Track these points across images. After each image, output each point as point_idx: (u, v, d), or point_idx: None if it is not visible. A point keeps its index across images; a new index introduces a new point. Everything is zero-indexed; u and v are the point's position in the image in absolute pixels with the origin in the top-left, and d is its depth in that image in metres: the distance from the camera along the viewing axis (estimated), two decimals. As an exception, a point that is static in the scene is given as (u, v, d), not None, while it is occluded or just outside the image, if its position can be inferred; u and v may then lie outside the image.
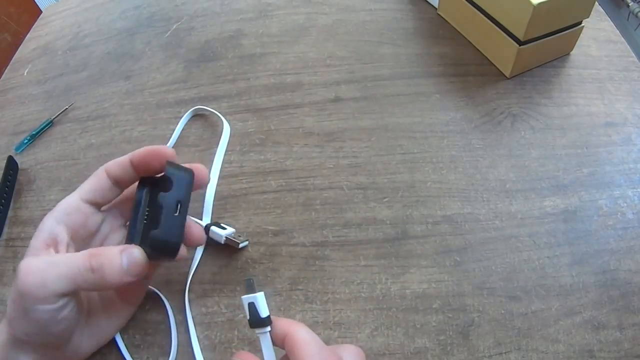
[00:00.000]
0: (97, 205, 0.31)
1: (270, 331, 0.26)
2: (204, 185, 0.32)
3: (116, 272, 0.26)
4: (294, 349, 0.24)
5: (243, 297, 0.26)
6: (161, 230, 0.27)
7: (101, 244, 0.32)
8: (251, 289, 0.26)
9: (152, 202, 0.31)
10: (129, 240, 0.30)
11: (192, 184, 0.30)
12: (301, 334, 0.25)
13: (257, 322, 0.26)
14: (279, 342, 0.26)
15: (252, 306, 0.26)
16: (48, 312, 0.25)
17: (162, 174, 0.30)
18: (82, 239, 0.30)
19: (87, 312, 0.31)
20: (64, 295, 0.26)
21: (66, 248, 0.28)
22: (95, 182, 0.30)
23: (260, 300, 0.26)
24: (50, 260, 0.26)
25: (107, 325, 0.32)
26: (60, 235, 0.28)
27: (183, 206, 0.29)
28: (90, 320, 0.31)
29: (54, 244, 0.28)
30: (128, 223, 0.32)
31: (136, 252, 0.27)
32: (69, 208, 0.29)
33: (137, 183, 0.31)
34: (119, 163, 0.31)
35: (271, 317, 0.26)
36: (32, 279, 0.25)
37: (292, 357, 0.24)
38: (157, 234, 0.27)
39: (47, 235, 0.28)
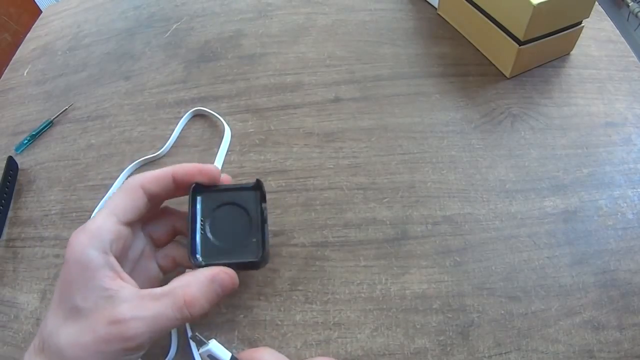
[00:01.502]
0: (132, 224, 0.29)
1: None
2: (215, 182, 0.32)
3: (211, 300, 0.27)
4: None
5: (200, 352, 0.26)
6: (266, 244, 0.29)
7: (133, 256, 0.30)
8: (201, 342, 0.26)
9: (207, 212, 0.31)
10: (192, 252, 0.29)
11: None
12: (265, 357, 0.25)
13: None
14: None
15: (212, 357, 0.26)
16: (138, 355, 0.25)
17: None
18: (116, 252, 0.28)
19: None
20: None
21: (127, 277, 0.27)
22: (132, 201, 0.28)
23: (215, 348, 0.26)
24: (147, 316, 0.25)
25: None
26: (116, 266, 0.26)
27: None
28: None
29: (117, 277, 0.26)
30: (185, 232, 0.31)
31: (226, 275, 0.27)
32: (110, 235, 0.26)
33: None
34: (158, 179, 0.29)
35: (235, 351, 0.26)
36: (140, 331, 0.24)
37: None
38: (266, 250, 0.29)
39: (110, 272, 0.25)
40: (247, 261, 0.29)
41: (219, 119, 0.46)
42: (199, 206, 0.30)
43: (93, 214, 0.41)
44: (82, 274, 0.25)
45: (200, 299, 0.26)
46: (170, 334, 0.34)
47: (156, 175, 0.29)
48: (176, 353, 0.33)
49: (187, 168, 0.29)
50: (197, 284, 0.26)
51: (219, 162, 0.43)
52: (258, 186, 0.31)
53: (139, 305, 0.25)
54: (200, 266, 0.28)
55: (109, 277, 0.25)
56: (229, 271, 0.28)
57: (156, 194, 0.29)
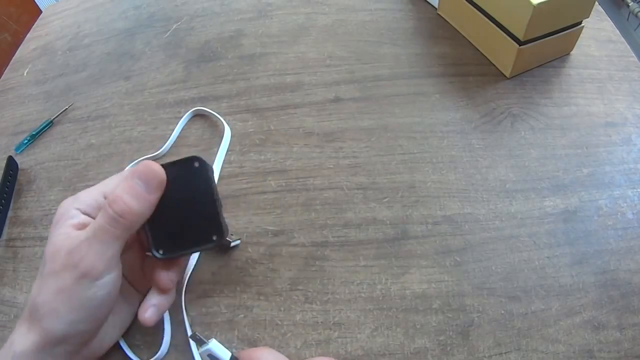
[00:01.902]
0: None
1: None
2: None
3: (141, 199, 0.27)
4: None
5: (200, 351, 0.26)
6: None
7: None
8: (201, 342, 0.26)
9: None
10: (150, 247, 0.30)
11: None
12: (264, 356, 0.25)
13: None
14: None
15: (212, 357, 0.26)
16: (104, 287, 0.26)
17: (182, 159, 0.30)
18: None
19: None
20: (118, 257, 0.27)
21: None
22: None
23: (215, 347, 0.26)
24: (87, 236, 0.26)
25: (126, 315, 0.33)
26: (87, 222, 0.28)
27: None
28: (114, 310, 0.31)
29: (82, 228, 0.28)
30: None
31: (144, 167, 0.27)
32: (92, 201, 0.29)
33: None
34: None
35: (234, 351, 0.26)
36: (88, 253, 0.26)
37: None
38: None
39: (77, 221, 0.28)
40: (207, 246, 0.29)
41: (219, 118, 0.46)
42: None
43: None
44: (56, 226, 0.28)
45: (122, 196, 0.27)
46: (163, 333, 0.34)
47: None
48: (167, 351, 0.33)
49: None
50: (119, 185, 0.27)
51: (218, 162, 0.43)
52: (194, 159, 0.30)
53: (81, 233, 0.27)
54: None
55: (72, 225, 0.27)
56: (148, 163, 0.28)
57: None
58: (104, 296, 0.27)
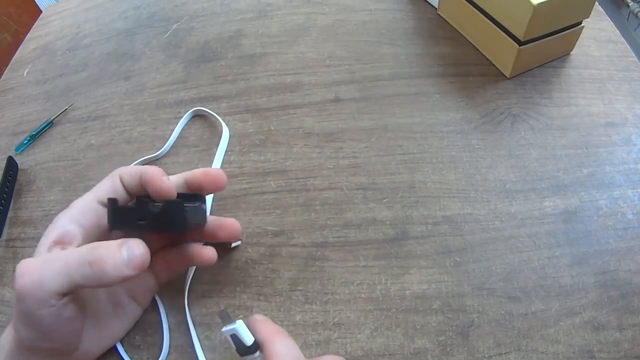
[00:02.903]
0: None
1: (259, 356, 0.25)
2: (218, 190, 0.33)
3: (117, 265, 0.25)
4: None
5: (223, 329, 0.26)
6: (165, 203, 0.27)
7: None
8: (228, 320, 0.26)
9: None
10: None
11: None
12: (277, 348, 0.25)
13: (244, 350, 0.25)
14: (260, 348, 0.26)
15: (235, 337, 0.25)
16: (48, 315, 0.24)
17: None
18: (96, 240, 0.28)
19: (95, 313, 0.30)
20: (62, 294, 0.24)
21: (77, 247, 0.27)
22: (111, 187, 0.30)
23: (241, 329, 0.25)
24: (47, 258, 0.25)
25: (116, 327, 0.32)
26: (72, 233, 0.27)
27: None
28: (100, 323, 0.30)
29: (61, 243, 0.27)
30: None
31: (136, 243, 0.26)
32: (84, 208, 0.29)
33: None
34: (131, 173, 0.30)
35: (255, 319, 0.26)
36: (28, 279, 0.24)
37: None
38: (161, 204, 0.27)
39: (58, 233, 0.27)
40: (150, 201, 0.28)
41: (218, 119, 0.46)
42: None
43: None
44: (44, 236, 0.27)
45: (106, 247, 0.25)
46: (169, 334, 0.34)
47: (133, 169, 0.30)
48: (167, 353, 0.33)
49: (198, 174, 0.31)
50: (106, 242, 0.26)
51: (217, 163, 0.43)
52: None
53: (47, 255, 0.26)
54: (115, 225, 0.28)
55: (53, 238, 0.27)
56: (140, 241, 0.26)
57: (131, 188, 0.30)
58: (53, 322, 0.25)
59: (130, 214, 0.27)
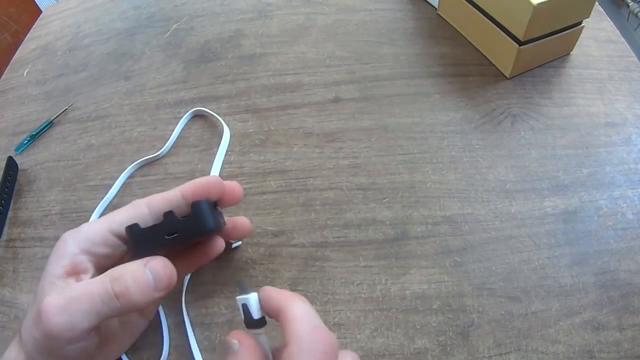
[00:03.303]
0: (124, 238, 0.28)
1: (262, 333, 0.25)
2: (236, 202, 0.32)
3: (144, 291, 0.24)
4: (286, 326, 0.23)
5: (237, 297, 0.26)
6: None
7: None
8: (244, 290, 0.26)
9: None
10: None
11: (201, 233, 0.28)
12: (294, 311, 0.23)
13: (251, 323, 0.25)
14: (274, 315, 0.24)
15: (245, 307, 0.25)
16: (76, 348, 0.24)
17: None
18: (106, 269, 0.27)
19: (105, 332, 0.29)
20: (92, 329, 0.24)
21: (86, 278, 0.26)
22: (131, 215, 0.28)
23: (253, 301, 0.25)
24: (71, 296, 0.24)
25: (123, 341, 0.31)
26: (83, 265, 0.26)
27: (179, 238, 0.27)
28: (108, 340, 0.29)
29: (75, 273, 0.26)
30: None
31: (161, 264, 0.25)
32: (96, 237, 0.27)
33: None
34: (167, 199, 0.28)
35: (266, 288, 0.25)
36: (57, 319, 0.23)
37: (284, 334, 0.23)
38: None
39: (69, 263, 0.26)
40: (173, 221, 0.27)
41: (218, 119, 0.46)
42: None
43: (92, 215, 0.41)
44: (51, 261, 0.26)
45: (127, 280, 0.24)
46: (169, 335, 0.34)
47: (165, 196, 0.28)
48: (168, 353, 0.33)
49: (191, 186, 0.29)
50: (127, 266, 0.25)
51: (218, 163, 0.43)
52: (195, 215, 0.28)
53: (68, 289, 0.25)
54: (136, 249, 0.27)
55: (65, 268, 0.26)
56: (163, 259, 0.26)
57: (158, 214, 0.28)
58: (72, 355, 0.25)
59: (156, 232, 0.27)
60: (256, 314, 0.25)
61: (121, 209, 0.29)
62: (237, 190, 0.32)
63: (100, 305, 0.24)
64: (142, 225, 0.27)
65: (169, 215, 0.27)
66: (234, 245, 0.37)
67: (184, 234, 0.27)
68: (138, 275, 0.25)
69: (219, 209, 0.31)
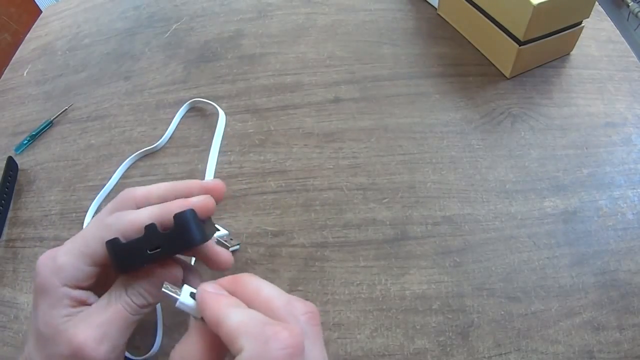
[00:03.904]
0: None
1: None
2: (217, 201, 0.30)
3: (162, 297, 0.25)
4: (227, 342, 0.20)
5: (166, 291, 0.24)
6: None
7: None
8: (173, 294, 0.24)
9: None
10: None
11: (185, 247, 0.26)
12: (230, 322, 0.20)
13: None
14: (213, 329, 0.21)
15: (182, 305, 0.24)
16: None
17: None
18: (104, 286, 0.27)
19: None
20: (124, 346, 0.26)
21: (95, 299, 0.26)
22: (99, 231, 0.26)
23: (189, 302, 0.24)
24: (101, 323, 0.25)
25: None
26: (83, 296, 0.26)
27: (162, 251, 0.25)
28: None
29: (80, 303, 0.26)
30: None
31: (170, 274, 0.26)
32: (78, 274, 0.26)
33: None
34: (133, 224, 0.26)
35: (202, 287, 0.23)
36: (101, 349, 0.24)
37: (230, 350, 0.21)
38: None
39: (69, 301, 0.25)
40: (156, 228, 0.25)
41: (214, 106, 0.46)
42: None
43: (88, 211, 0.41)
44: (45, 301, 0.25)
45: (144, 294, 0.26)
46: (156, 327, 0.34)
47: (131, 220, 0.26)
48: (159, 347, 0.33)
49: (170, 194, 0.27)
50: (139, 282, 0.26)
51: (214, 151, 0.43)
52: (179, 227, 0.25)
53: (92, 322, 0.25)
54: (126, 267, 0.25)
55: (69, 305, 0.25)
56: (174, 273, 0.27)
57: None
58: None
59: (138, 247, 0.25)
60: (192, 311, 0.23)
61: (89, 228, 0.27)
62: (218, 190, 0.29)
63: (131, 317, 0.25)
64: (123, 240, 0.25)
65: (150, 227, 0.25)
66: (231, 249, 0.37)
67: (167, 248, 0.25)
68: (151, 288, 0.26)
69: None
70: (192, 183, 0.29)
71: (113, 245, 0.25)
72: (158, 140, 0.45)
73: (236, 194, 0.41)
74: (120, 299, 0.26)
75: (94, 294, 0.27)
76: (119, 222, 0.26)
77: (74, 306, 0.26)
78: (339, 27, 0.54)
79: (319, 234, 0.37)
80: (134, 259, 0.25)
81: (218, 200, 0.29)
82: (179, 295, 0.24)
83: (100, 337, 0.24)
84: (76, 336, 0.24)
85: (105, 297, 0.26)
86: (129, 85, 0.52)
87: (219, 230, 0.36)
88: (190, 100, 0.47)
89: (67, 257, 0.26)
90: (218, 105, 0.47)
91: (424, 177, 0.39)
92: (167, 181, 0.29)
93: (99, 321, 0.25)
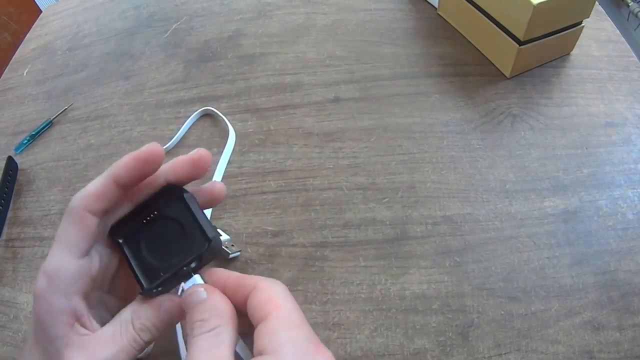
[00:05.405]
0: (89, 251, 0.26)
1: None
2: (219, 201, 0.28)
3: (166, 328, 0.25)
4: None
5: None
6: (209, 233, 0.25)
7: (109, 274, 0.27)
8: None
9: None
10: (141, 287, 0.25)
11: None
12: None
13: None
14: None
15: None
16: None
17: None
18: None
19: None
20: None
21: (89, 318, 0.25)
22: (81, 230, 0.25)
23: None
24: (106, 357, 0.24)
25: None
26: (79, 308, 0.25)
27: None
28: None
29: (77, 320, 0.25)
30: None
31: (171, 303, 0.25)
32: (69, 276, 0.24)
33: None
34: (98, 195, 0.25)
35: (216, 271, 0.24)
36: None
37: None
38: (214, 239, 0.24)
39: (67, 318, 0.24)
40: (196, 256, 0.25)
41: (225, 121, 0.45)
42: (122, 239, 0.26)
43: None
44: (43, 319, 0.24)
45: (150, 327, 0.25)
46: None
47: (96, 191, 0.25)
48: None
49: (125, 166, 0.25)
50: (147, 310, 0.25)
51: (222, 165, 0.42)
52: (168, 190, 0.26)
53: (93, 356, 0.24)
54: (151, 293, 0.25)
55: (67, 324, 0.24)
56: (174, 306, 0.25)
57: (105, 209, 0.25)
58: None
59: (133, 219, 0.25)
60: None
61: (64, 223, 0.25)
62: (218, 190, 0.28)
63: (135, 354, 0.24)
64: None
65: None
66: (231, 255, 0.36)
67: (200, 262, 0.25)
68: (158, 318, 0.25)
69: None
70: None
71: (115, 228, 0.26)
72: (157, 140, 0.45)
73: (236, 194, 0.41)
74: (127, 333, 0.24)
75: (89, 310, 0.25)
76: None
77: (70, 325, 0.24)
78: (339, 27, 0.54)
79: (318, 234, 0.37)
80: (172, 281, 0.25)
81: (218, 201, 0.28)
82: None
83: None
84: None
85: (109, 327, 0.25)
86: (128, 85, 0.52)
87: (221, 235, 0.36)
88: (203, 108, 0.47)
89: (55, 260, 0.25)
90: (229, 121, 0.46)
91: (423, 177, 0.39)
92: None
93: (102, 358, 0.24)
